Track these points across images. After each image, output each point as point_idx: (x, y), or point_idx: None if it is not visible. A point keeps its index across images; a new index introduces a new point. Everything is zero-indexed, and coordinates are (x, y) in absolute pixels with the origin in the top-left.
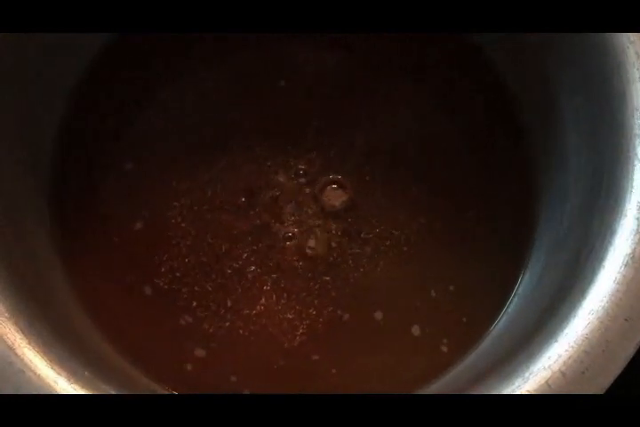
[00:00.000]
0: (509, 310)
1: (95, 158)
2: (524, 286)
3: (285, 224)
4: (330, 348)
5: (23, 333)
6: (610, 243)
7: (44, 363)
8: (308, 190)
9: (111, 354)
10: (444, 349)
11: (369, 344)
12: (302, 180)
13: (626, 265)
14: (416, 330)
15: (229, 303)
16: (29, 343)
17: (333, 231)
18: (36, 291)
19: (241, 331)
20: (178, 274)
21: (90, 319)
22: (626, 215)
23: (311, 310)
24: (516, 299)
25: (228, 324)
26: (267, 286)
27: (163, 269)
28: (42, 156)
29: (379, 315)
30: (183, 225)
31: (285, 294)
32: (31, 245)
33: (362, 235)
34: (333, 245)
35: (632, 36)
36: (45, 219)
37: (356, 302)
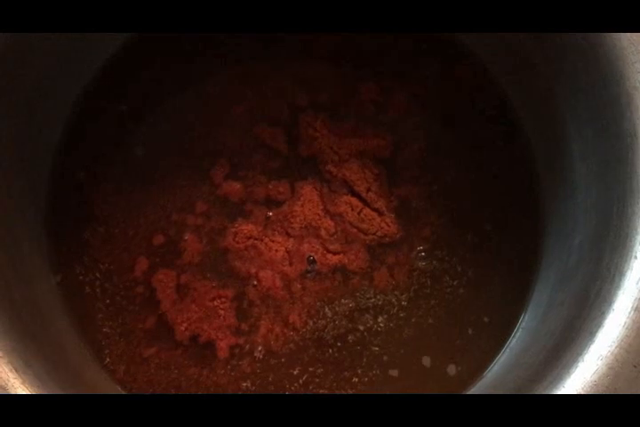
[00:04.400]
0: (512, 344)
1: (90, 173)
2: (528, 321)
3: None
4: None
5: (17, 372)
6: (619, 286)
7: None
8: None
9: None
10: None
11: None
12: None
13: (635, 310)
14: (452, 369)
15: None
16: (23, 383)
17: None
18: (34, 327)
19: None
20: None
21: (88, 352)
22: (636, 257)
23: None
24: (520, 333)
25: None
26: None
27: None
28: (39, 178)
29: (426, 360)
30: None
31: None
32: (28, 276)
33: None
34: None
35: None
36: (42, 244)
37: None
